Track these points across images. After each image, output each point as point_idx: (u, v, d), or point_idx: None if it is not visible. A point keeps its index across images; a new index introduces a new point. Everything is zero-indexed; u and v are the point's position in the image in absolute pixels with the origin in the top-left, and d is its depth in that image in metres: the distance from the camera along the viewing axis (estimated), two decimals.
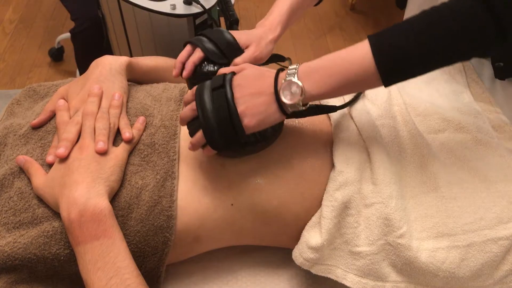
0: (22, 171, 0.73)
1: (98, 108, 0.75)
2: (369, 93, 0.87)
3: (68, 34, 2.09)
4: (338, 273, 0.74)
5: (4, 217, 0.69)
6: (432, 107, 0.86)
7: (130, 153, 0.75)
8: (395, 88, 0.88)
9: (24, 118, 0.82)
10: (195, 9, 1.38)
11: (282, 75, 0.68)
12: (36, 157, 0.74)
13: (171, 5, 1.36)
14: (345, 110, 0.82)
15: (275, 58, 0.94)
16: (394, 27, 0.64)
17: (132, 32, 1.55)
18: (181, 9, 1.37)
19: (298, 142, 0.79)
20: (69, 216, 0.64)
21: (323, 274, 0.75)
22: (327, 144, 0.80)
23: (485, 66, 0.99)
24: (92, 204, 0.64)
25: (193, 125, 0.71)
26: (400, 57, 0.63)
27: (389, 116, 0.83)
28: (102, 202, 0.65)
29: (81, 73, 2.00)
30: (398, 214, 0.72)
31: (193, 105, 0.69)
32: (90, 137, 0.71)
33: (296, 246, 0.77)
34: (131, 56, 1.42)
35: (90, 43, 1.92)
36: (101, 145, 0.70)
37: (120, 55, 0.85)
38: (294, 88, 0.65)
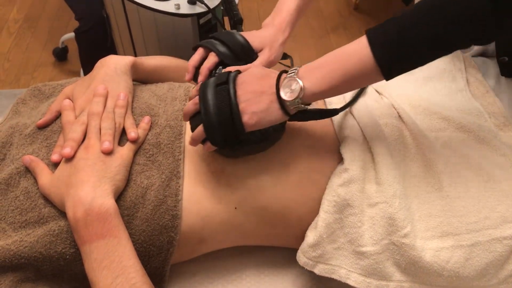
0: (28, 171, 0.73)
1: (104, 108, 0.76)
2: (371, 93, 0.86)
3: (72, 34, 2.09)
4: (341, 273, 0.74)
5: (10, 216, 0.69)
6: (432, 107, 0.86)
7: (136, 153, 0.75)
8: (395, 87, 0.88)
9: (30, 117, 0.82)
10: (199, 8, 1.38)
11: (285, 75, 0.68)
12: (42, 156, 0.74)
13: (175, 4, 1.37)
14: (347, 110, 0.82)
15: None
16: (391, 18, 0.64)
17: (137, 32, 1.56)
18: (185, 8, 1.37)
19: (301, 144, 0.79)
20: (75, 215, 0.64)
21: (326, 275, 0.75)
22: (330, 146, 0.80)
23: (490, 66, 0.99)
24: (98, 204, 0.65)
25: (195, 120, 0.71)
26: (396, 46, 0.62)
27: (392, 115, 0.83)
28: (107, 202, 0.66)
29: (85, 73, 2.01)
30: (402, 214, 0.72)
31: (196, 99, 0.69)
32: (96, 137, 0.72)
33: (300, 247, 0.77)
34: (135, 56, 1.42)
35: (94, 43, 1.92)
36: (106, 145, 0.70)
37: (125, 55, 0.85)
38: (294, 85, 0.66)
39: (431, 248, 0.72)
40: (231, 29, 1.32)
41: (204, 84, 0.70)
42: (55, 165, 0.72)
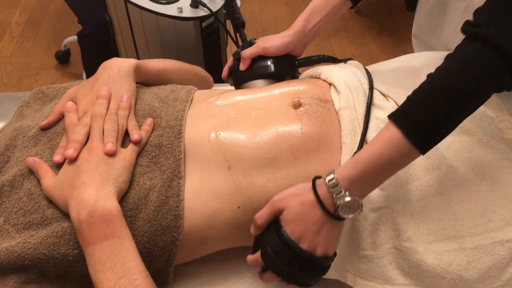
0: (31, 173, 0.73)
1: (107, 110, 0.76)
2: (377, 99, 0.85)
3: (75, 37, 2.10)
4: (348, 277, 0.74)
5: (14, 218, 0.69)
6: None
7: (138, 155, 0.75)
8: (400, 90, 0.87)
9: (33, 120, 0.82)
10: (201, 12, 1.39)
11: (324, 195, 0.65)
12: (46, 158, 0.74)
13: (178, 8, 1.37)
14: (354, 115, 0.81)
15: (318, 61, 0.99)
16: (414, 100, 0.65)
17: (139, 35, 1.56)
18: (188, 12, 1.38)
19: (307, 146, 0.78)
20: (79, 217, 0.65)
21: (334, 277, 0.75)
22: (335, 149, 0.79)
23: None
24: (101, 205, 0.65)
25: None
26: (434, 129, 0.63)
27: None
28: (111, 203, 0.66)
29: (88, 76, 2.02)
30: (405, 218, 0.72)
31: (272, 276, 0.69)
32: (99, 138, 0.72)
33: None
34: (138, 58, 1.43)
35: (97, 46, 1.92)
36: (109, 147, 0.70)
37: (127, 58, 0.86)
38: (352, 204, 0.64)
39: (434, 251, 0.72)
40: (234, 32, 1.33)
41: (275, 266, 0.68)
42: (58, 166, 0.72)
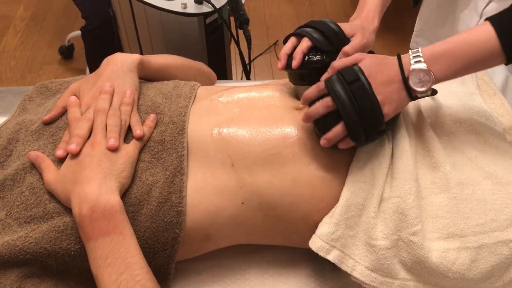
0: (34, 167, 0.73)
1: (110, 105, 0.76)
2: None
3: (78, 32, 2.10)
4: (349, 263, 0.73)
5: (16, 212, 0.69)
6: (444, 108, 0.86)
7: (141, 150, 0.75)
8: None
9: (36, 114, 0.82)
10: (206, 8, 1.39)
11: (405, 60, 0.70)
12: (48, 153, 0.74)
13: (182, 4, 1.37)
14: None
15: None
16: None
17: (143, 31, 1.56)
18: (192, 8, 1.37)
19: (312, 141, 0.78)
20: (80, 212, 0.65)
21: (336, 263, 0.73)
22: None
23: (496, 71, 0.99)
24: (103, 200, 0.65)
25: (327, 121, 0.72)
26: None
27: (403, 116, 0.83)
28: (113, 198, 0.66)
29: (91, 71, 2.02)
30: (414, 212, 0.72)
31: (326, 101, 0.71)
32: (102, 133, 0.72)
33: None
34: (141, 54, 1.43)
35: (100, 41, 1.93)
36: (112, 142, 0.70)
37: (131, 53, 0.86)
38: (423, 76, 0.68)
39: (437, 249, 0.72)
40: (237, 29, 1.32)
41: (332, 84, 0.71)
42: (61, 161, 0.72)
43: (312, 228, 0.76)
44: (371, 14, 0.89)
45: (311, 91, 0.74)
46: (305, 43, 0.82)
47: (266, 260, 0.86)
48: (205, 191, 0.75)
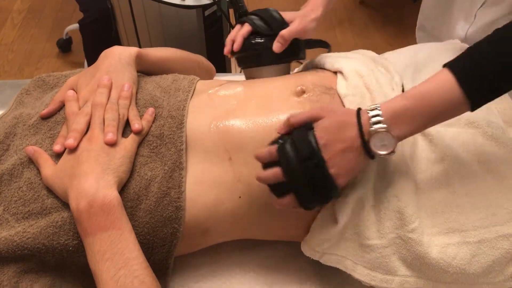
0: (31, 161, 0.73)
1: (108, 99, 0.75)
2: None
3: (76, 25, 2.09)
4: (347, 264, 0.74)
5: (13, 207, 0.69)
6: None
7: (140, 145, 0.74)
8: (407, 81, 0.87)
9: (34, 108, 0.82)
10: (204, 0, 1.38)
11: (364, 121, 0.65)
12: (45, 147, 0.74)
13: None
14: (360, 101, 0.81)
15: (317, 44, 1.00)
16: (470, 52, 0.65)
17: (141, 23, 1.55)
18: (191, 0, 1.37)
19: None
20: (78, 207, 0.64)
21: (332, 264, 0.74)
22: None
23: None
24: (101, 195, 0.64)
25: (279, 188, 0.68)
26: (488, 83, 0.63)
27: None
28: (111, 193, 0.65)
29: (89, 64, 2.01)
30: (411, 209, 0.72)
31: (278, 172, 0.66)
32: (99, 128, 0.71)
33: (304, 239, 0.77)
34: (140, 47, 1.42)
35: (99, 34, 1.92)
36: (110, 136, 0.70)
37: (129, 46, 0.85)
38: (386, 140, 0.64)
39: (437, 245, 0.72)
40: (236, 22, 1.32)
41: (285, 157, 0.66)
42: (58, 156, 0.72)
43: (310, 222, 0.76)
44: (317, 4, 0.93)
45: (264, 155, 0.69)
46: (246, 28, 0.92)
47: (266, 254, 0.87)
48: (204, 185, 0.74)
